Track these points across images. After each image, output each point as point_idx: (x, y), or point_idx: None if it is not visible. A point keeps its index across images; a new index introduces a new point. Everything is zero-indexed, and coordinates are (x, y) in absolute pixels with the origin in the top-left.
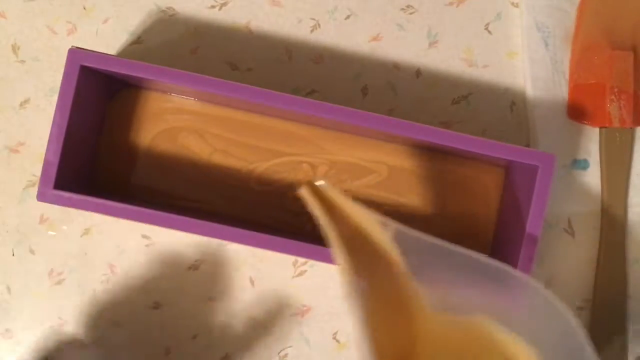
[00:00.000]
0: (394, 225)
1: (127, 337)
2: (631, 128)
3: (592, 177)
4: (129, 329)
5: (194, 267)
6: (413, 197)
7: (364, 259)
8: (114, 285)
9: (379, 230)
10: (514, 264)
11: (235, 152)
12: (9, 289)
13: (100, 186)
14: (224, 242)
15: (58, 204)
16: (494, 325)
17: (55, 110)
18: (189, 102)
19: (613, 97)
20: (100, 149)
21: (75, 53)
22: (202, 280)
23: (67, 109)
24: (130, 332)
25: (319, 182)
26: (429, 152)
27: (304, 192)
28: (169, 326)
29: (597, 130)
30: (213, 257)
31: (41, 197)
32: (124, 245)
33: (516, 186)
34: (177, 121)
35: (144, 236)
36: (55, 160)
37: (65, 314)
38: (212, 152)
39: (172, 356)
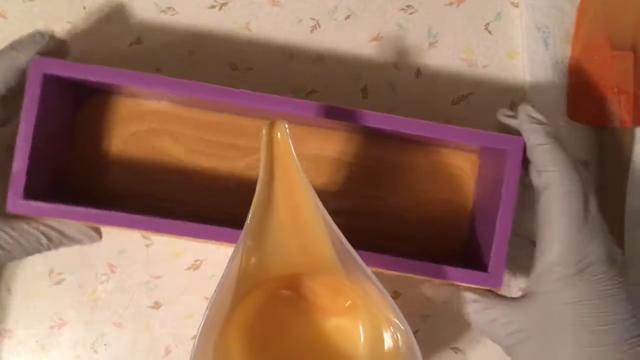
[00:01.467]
0: (324, 209)
1: (127, 337)
2: (631, 128)
3: (592, 177)
4: (129, 329)
5: (194, 267)
6: (387, 187)
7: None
8: (114, 285)
9: (314, 203)
10: (487, 251)
11: (211, 151)
12: (9, 289)
13: (75, 193)
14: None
15: (28, 213)
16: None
17: (21, 121)
18: (160, 105)
19: (613, 97)
20: (72, 156)
21: (38, 62)
22: (202, 280)
23: (32, 118)
24: (130, 332)
25: (281, 124)
26: (400, 142)
27: (264, 132)
28: (169, 326)
29: (597, 130)
30: (213, 257)
31: (11, 206)
32: (124, 245)
33: (489, 173)
34: (148, 124)
35: (144, 236)
36: (22, 169)
37: (65, 314)
38: (186, 153)
39: (172, 356)
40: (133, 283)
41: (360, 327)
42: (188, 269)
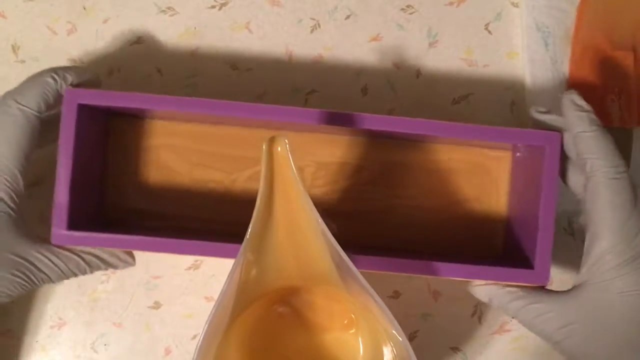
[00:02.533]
0: (323, 224)
1: (127, 337)
2: (631, 128)
3: None
4: (129, 329)
5: (194, 267)
6: (413, 189)
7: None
8: (114, 285)
9: (314, 219)
10: (530, 248)
11: (213, 164)
12: None
13: (105, 219)
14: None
15: (72, 244)
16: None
17: (59, 151)
18: (174, 124)
19: (613, 97)
20: (104, 181)
21: (72, 93)
22: (202, 280)
23: (70, 148)
24: (130, 332)
25: (281, 139)
26: (423, 144)
27: (265, 147)
28: (169, 326)
29: None
30: (213, 257)
31: (56, 239)
32: None
33: (523, 170)
34: (160, 143)
35: None
36: (65, 201)
37: (65, 314)
38: (192, 168)
39: (172, 356)
40: (133, 283)
41: (360, 341)
42: (188, 269)
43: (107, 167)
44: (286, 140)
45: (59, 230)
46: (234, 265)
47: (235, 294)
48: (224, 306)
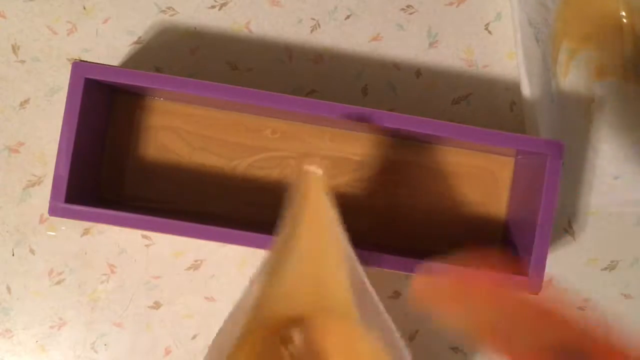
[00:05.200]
0: (350, 249)
1: (127, 337)
2: None
3: None
4: (129, 329)
5: (194, 267)
6: (413, 189)
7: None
8: (114, 285)
9: (340, 238)
10: (526, 255)
11: (216, 149)
12: (9, 289)
13: (101, 196)
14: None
15: (69, 217)
16: None
17: (62, 124)
18: (178, 106)
19: None
20: (104, 158)
21: (78, 66)
22: (202, 280)
23: (74, 122)
24: (130, 332)
25: (315, 170)
26: (426, 145)
27: (301, 171)
28: (169, 326)
29: None
30: (213, 257)
31: (52, 211)
32: (124, 245)
33: (525, 176)
34: (163, 124)
35: (144, 236)
36: (65, 173)
37: (65, 314)
38: (192, 152)
39: (172, 356)
40: (133, 283)
41: None
42: (188, 269)
43: (107, 144)
44: (321, 166)
45: (57, 202)
46: (248, 286)
47: (244, 317)
48: (229, 330)
